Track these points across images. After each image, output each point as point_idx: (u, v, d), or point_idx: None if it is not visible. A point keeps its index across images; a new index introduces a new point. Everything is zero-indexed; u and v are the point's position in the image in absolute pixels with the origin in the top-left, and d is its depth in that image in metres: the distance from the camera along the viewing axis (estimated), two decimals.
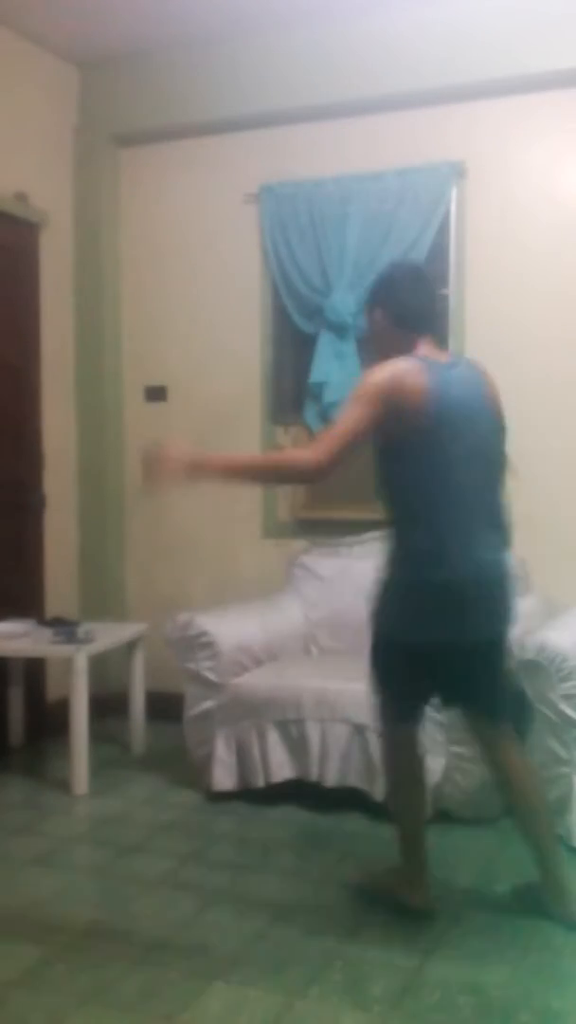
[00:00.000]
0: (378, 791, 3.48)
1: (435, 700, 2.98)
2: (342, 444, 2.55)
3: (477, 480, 2.67)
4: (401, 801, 2.92)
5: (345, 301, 4.34)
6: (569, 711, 3.25)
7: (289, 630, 4.20)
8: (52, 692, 4.58)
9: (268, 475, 3.07)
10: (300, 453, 2.85)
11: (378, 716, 2.92)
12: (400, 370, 2.61)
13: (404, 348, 2.70)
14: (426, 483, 2.62)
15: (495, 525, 2.72)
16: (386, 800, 3.17)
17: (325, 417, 4.35)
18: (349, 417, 2.58)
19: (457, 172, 4.29)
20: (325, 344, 4.39)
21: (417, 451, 2.60)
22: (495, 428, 2.77)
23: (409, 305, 2.74)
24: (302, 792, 3.63)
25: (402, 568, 2.68)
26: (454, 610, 2.63)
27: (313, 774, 3.60)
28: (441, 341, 4.34)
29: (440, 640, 2.64)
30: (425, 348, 2.73)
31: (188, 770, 3.89)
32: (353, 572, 4.29)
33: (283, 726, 3.65)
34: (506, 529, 2.75)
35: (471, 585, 2.63)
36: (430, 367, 2.64)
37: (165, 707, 4.29)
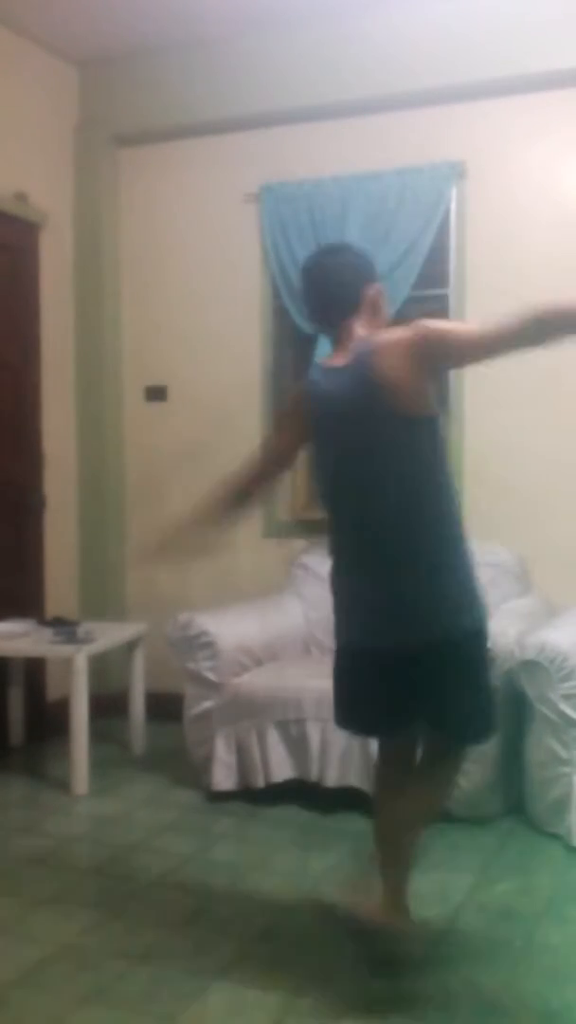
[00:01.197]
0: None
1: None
2: None
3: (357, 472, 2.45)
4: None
5: None
6: (569, 711, 3.25)
7: (289, 630, 4.20)
8: (52, 692, 4.58)
9: None
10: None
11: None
12: None
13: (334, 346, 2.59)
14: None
15: (393, 520, 2.39)
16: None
17: None
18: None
19: (457, 172, 4.29)
20: (325, 344, 4.38)
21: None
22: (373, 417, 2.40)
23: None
24: (302, 792, 3.63)
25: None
26: (347, 613, 2.51)
27: (313, 774, 3.60)
28: None
29: (347, 645, 2.52)
30: None
31: (188, 770, 3.89)
32: None
33: (283, 726, 3.65)
34: (418, 528, 2.38)
35: (354, 588, 2.48)
36: None
37: (165, 707, 4.29)
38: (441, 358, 2.41)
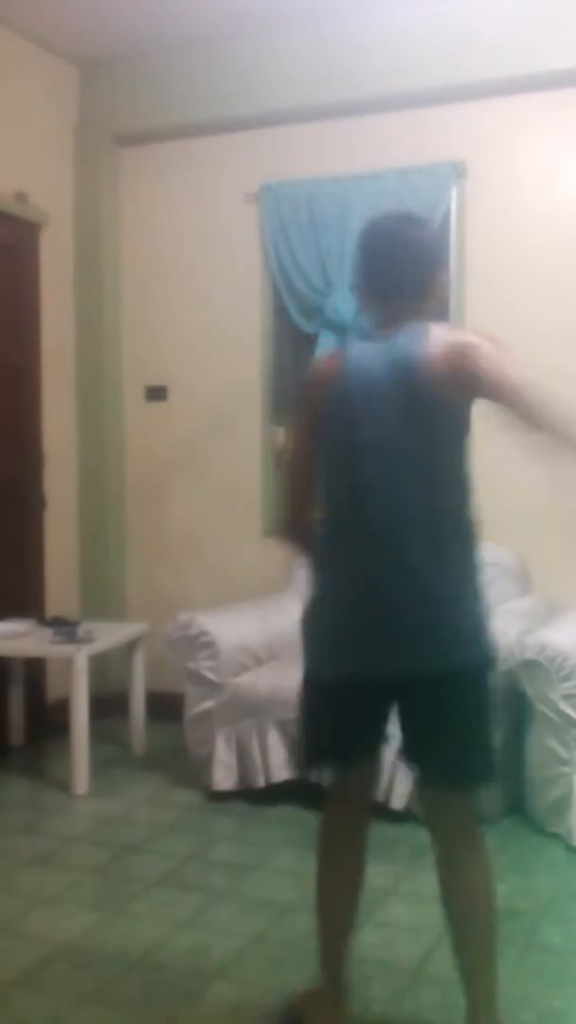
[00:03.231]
0: (378, 791, 3.48)
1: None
2: None
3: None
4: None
5: (345, 301, 4.33)
6: (569, 711, 3.25)
7: (289, 630, 4.14)
8: (52, 692, 4.58)
9: None
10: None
11: None
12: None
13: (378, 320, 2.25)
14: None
15: (400, 532, 2.07)
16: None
17: None
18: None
19: (457, 172, 4.29)
20: (325, 344, 4.39)
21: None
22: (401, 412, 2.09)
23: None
24: (302, 792, 3.63)
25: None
26: (325, 639, 2.16)
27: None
28: None
29: (316, 674, 2.18)
30: None
31: (188, 770, 3.89)
32: None
33: (283, 726, 3.65)
34: (435, 539, 2.07)
35: (341, 608, 2.14)
36: None
37: (165, 707, 4.29)
38: (469, 388, 2.07)
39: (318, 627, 2.18)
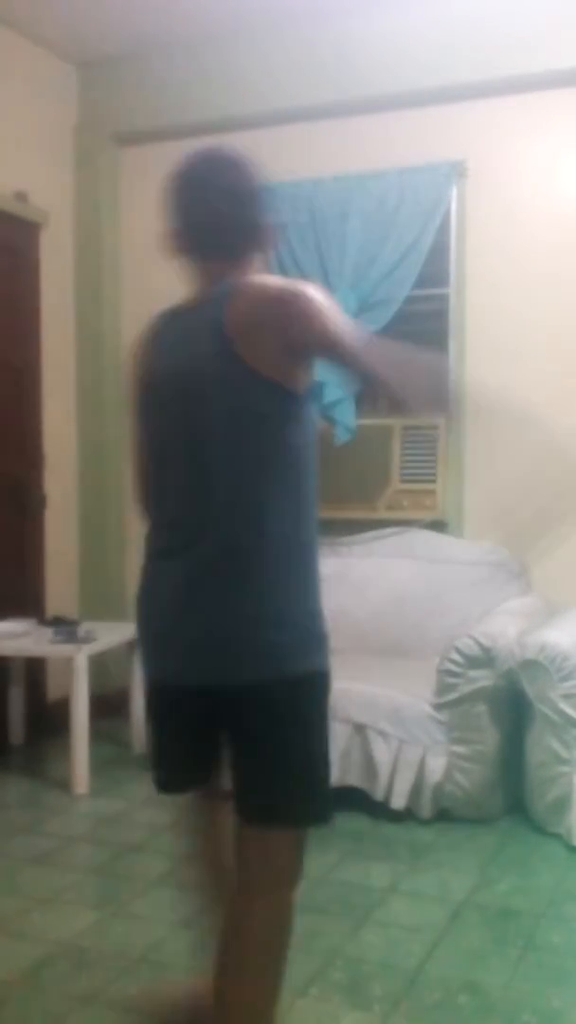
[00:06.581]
0: (378, 791, 3.48)
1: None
2: None
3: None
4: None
5: (346, 301, 4.33)
6: (569, 711, 3.25)
7: None
8: (52, 692, 4.58)
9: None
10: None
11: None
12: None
13: (191, 279, 2.00)
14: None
15: (186, 522, 1.86)
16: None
17: (325, 416, 4.35)
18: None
19: (457, 172, 4.29)
20: None
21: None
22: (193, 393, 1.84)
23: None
24: None
25: None
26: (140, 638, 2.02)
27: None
28: (440, 341, 4.40)
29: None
30: None
31: None
32: (353, 572, 4.30)
33: None
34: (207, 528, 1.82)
35: (141, 600, 2.01)
36: None
37: None
38: (298, 342, 1.75)
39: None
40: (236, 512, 1.80)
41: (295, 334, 1.73)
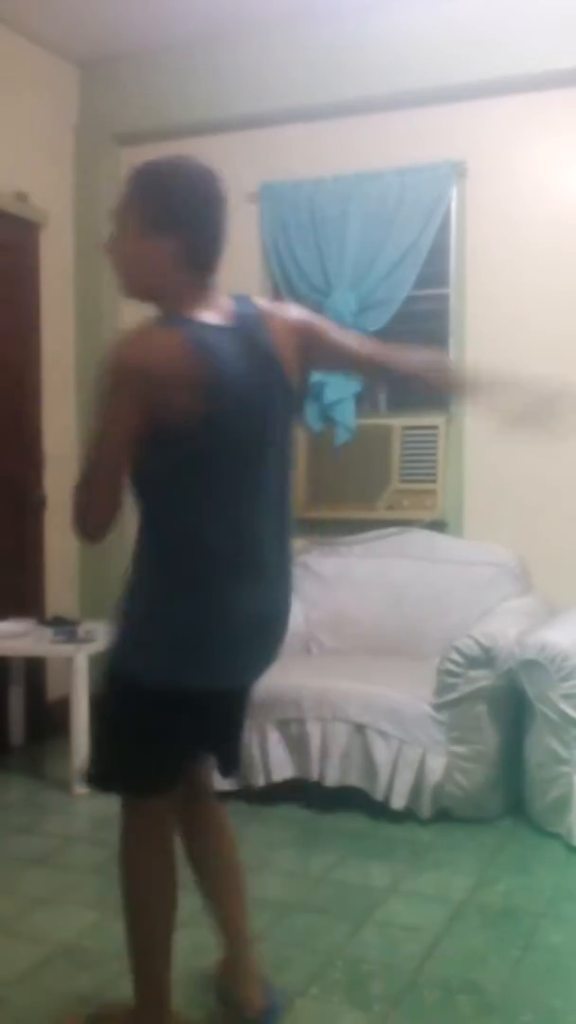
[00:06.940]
0: (378, 791, 3.48)
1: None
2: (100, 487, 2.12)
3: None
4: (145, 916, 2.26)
5: (345, 301, 4.34)
6: (569, 710, 3.25)
7: (289, 629, 4.18)
8: (52, 692, 4.58)
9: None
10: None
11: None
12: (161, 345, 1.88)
13: (188, 294, 1.99)
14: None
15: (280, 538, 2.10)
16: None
17: (325, 416, 4.35)
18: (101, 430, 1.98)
19: (457, 172, 4.29)
20: None
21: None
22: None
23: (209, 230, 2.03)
24: (302, 792, 3.63)
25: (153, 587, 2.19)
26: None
27: (313, 773, 3.60)
28: (441, 341, 4.40)
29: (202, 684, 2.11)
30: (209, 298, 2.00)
31: None
32: (353, 572, 4.30)
33: (283, 725, 3.65)
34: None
35: (245, 611, 2.14)
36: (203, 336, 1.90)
37: None
38: (319, 360, 2.07)
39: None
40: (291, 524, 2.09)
41: (320, 355, 2.08)
